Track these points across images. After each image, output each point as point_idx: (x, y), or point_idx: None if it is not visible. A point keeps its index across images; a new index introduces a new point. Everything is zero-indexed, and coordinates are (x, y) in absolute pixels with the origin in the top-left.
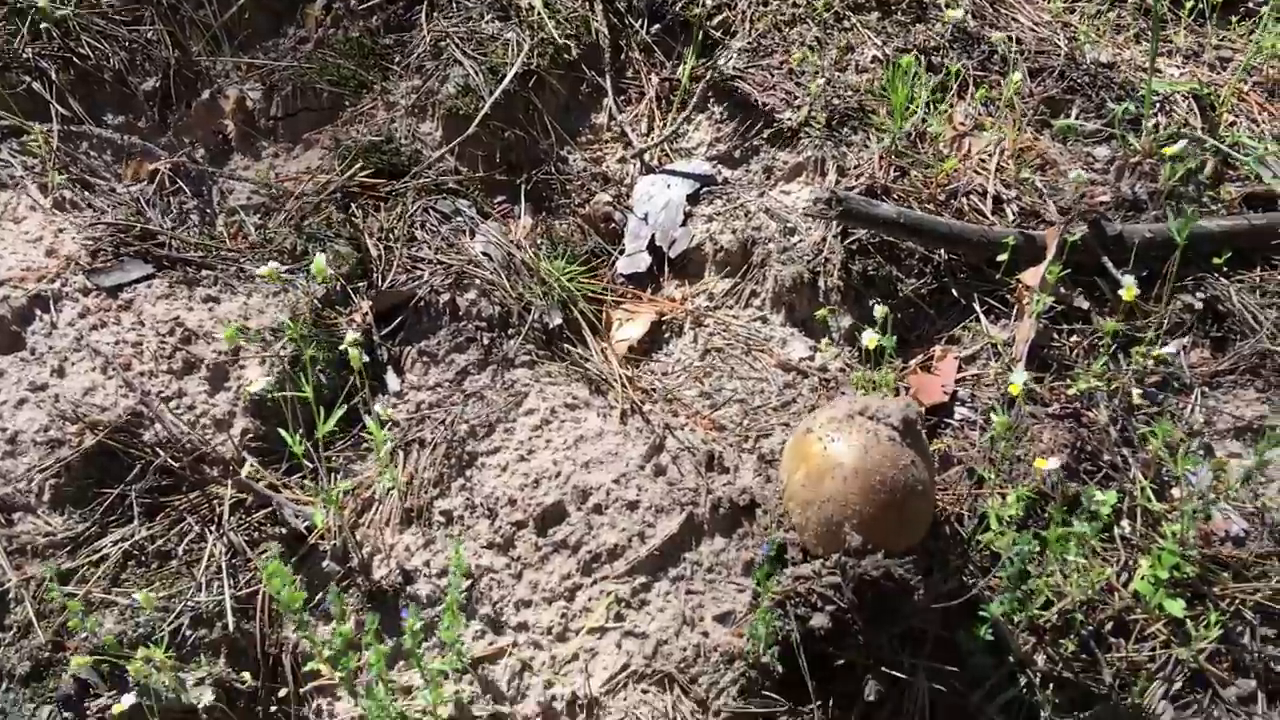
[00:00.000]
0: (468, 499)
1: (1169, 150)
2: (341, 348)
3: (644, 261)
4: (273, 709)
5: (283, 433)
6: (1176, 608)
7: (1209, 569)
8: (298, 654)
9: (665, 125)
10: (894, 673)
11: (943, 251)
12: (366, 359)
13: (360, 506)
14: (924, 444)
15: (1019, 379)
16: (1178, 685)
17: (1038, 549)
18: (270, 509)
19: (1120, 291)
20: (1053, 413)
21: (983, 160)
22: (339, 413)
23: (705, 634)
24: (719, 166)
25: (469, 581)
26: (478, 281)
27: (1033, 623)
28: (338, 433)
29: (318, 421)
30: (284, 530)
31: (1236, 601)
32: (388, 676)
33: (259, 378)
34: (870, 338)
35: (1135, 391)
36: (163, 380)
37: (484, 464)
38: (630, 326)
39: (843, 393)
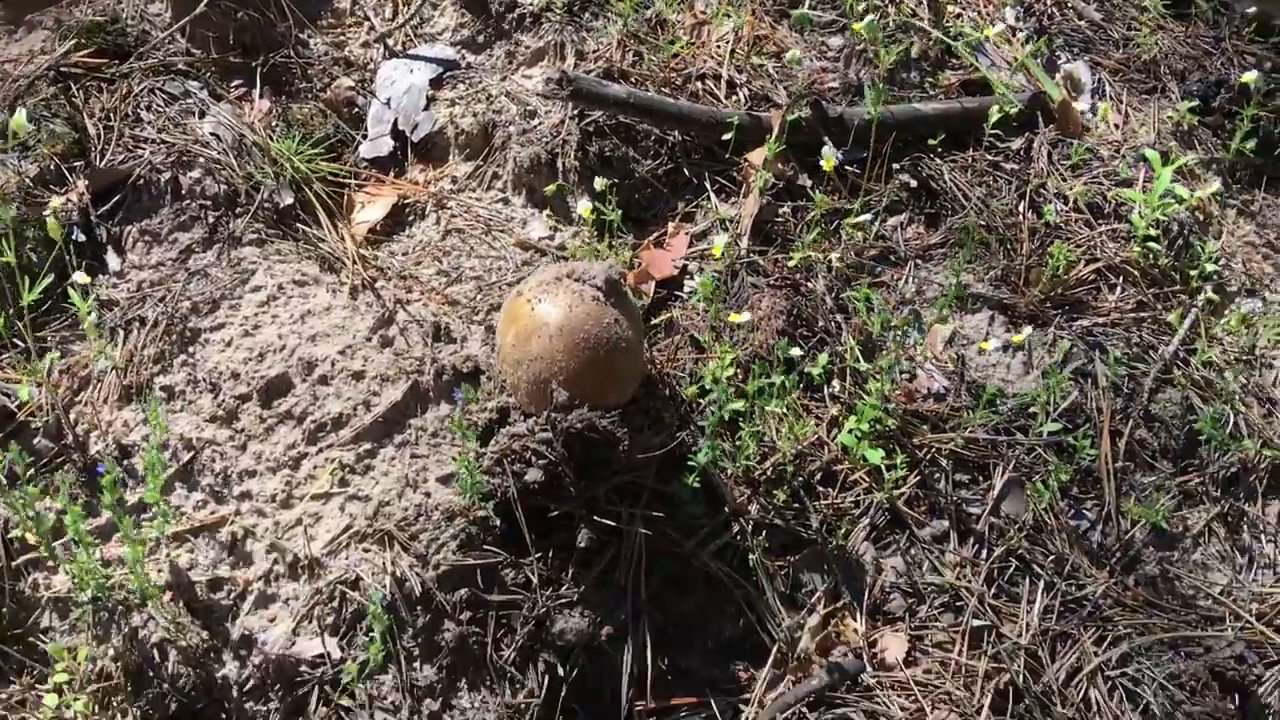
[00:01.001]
0: (190, 374)
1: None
2: (47, 213)
3: (387, 145)
4: None
5: None
6: (876, 456)
7: (910, 422)
8: (7, 526)
9: (409, 10)
10: (607, 521)
11: (676, 133)
12: (82, 238)
13: (77, 385)
14: (630, 304)
15: (720, 241)
16: (878, 527)
17: (743, 402)
18: None
19: (821, 163)
20: (773, 282)
21: (719, 47)
22: (45, 282)
23: (428, 495)
24: (462, 51)
25: (190, 454)
26: (202, 160)
27: (748, 476)
28: (54, 313)
29: (22, 293)
30: None
31: (933, 450)
32: (89, 538)
33: None
34: (585, 207)
35: (834, 256)
36: None
37: (207, 340)
38: (371, 209)
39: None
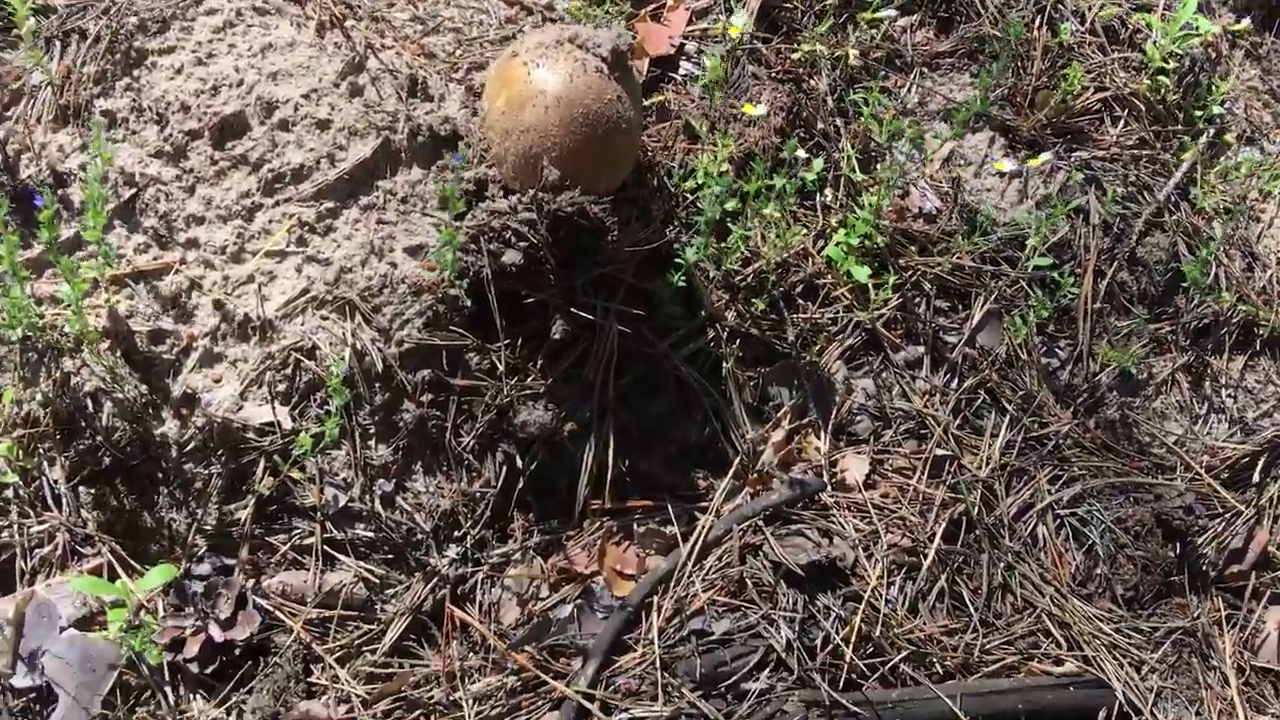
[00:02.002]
0: (134, 101)
1: None
2: None
3: None
4: None
5: None
6: (862, 274)
7: (899, 241)
8: None
9: None
10: (584, 314)
11: None
12: None
13: (7, 99)
14: (634, 80)
15: (739, 21)
16: (853, 347)
17: (738, 202)
18: None
19: None
20: (775, 75)
21: None
22: None
23: (394, 265)
24: None
25: (132, 190)
26: None
27: (728, 280)
28: None
29: None
30: None
31: (918, 273)
32: (24, 273)
33: None
34: None
35: (853, 53)
36: None
37: (155, 64)
38: None
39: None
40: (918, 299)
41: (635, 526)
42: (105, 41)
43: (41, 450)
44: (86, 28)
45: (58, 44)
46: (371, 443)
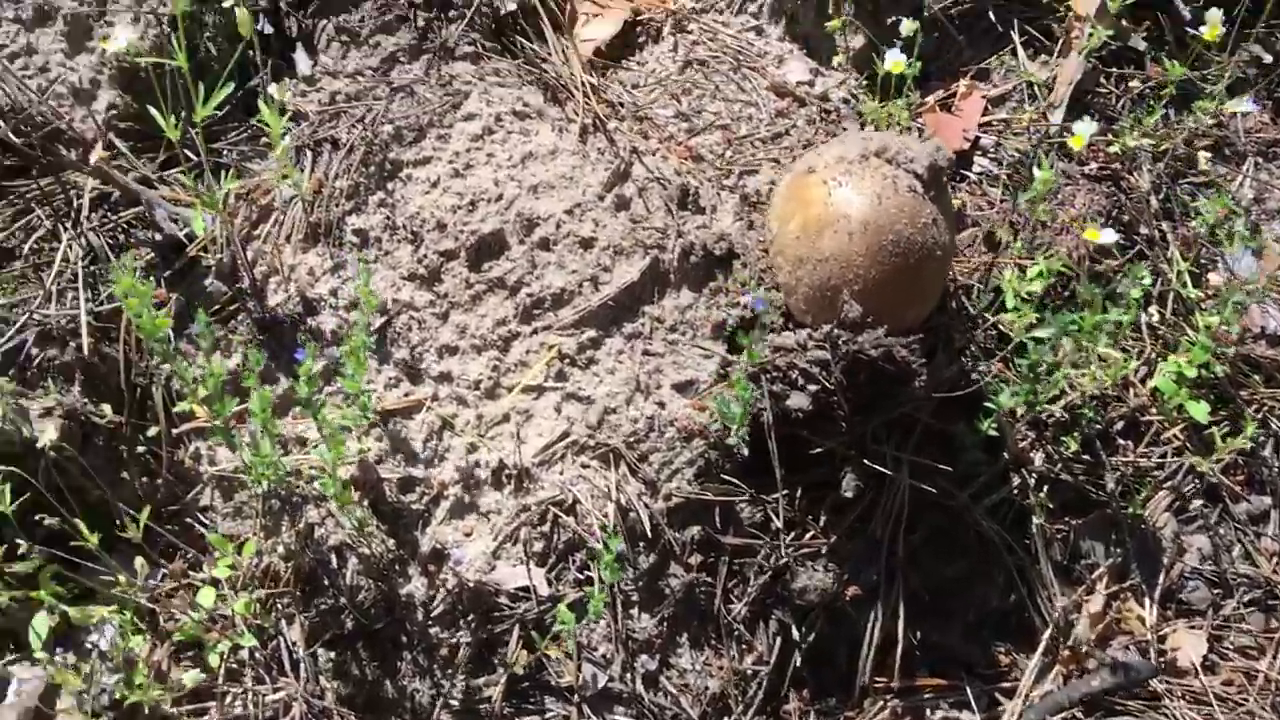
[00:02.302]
0: (388, 218)
1: None
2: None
3: None
4: (139, 450)
5: (153, 111)
6: (1200, 411)
7: (1240, 369)
8: (170, 387)
9: None
10: (877, 466)
11: None
12: (270, 30)
13: (256, 215)
14: (948, 199)
15: (1085, 130)
16: (1185, 496)
17: (1049, 331)
18: (141, 207)
19: (1202, 29)
20: (1089, 173)
21: None
22: (225, 91)
23: (661, 404)
24: None
25: (383, 318)
26: None
27: (1034, 416)
28: (231, 122)
29: (196, 100)
30: (158, 236)
31: (1265, 409)
32: (275, 428)
33: (127, 36)
34: (895, 60)
35: (1203, 155)
36: (7, 31)
37: (410, 176)
38: (598, 24)
39: (844, 127)
40: (1264, 439)
41: (926, 710)
42: (359, 152)
43: (280, 608)
44: (340, 136)
45: (309, 154)
46: (634, 612)
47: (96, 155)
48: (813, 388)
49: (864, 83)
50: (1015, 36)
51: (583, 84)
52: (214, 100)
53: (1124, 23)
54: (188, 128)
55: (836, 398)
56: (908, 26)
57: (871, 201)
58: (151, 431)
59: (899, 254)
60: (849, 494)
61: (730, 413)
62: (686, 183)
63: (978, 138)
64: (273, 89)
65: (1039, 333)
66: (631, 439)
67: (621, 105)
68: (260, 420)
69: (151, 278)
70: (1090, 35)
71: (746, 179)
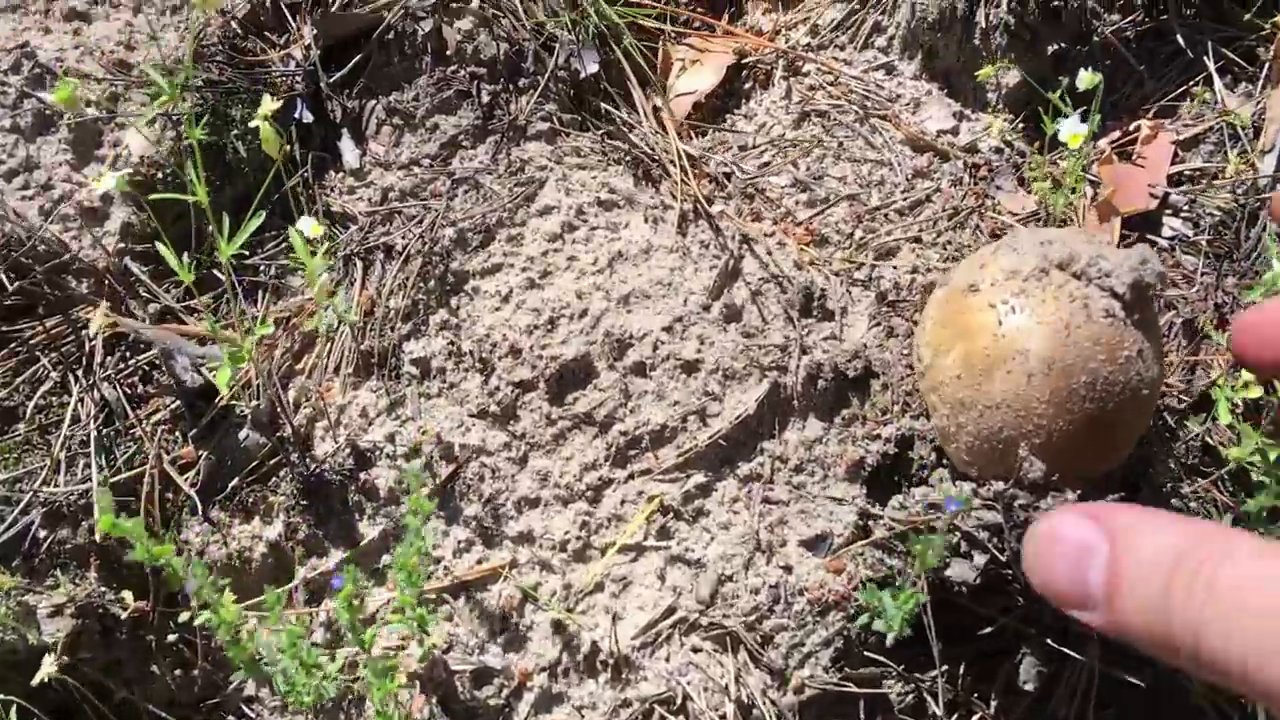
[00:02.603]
0: (452, 342)
1: None
2: (259, 116)
3: None
4: (170, 639)
5: (163, 250)
6: None
7: None
8: (204, 551)
9: None
10: (1064, 649)
11: None
12: (310, 118)
13: (298, 345)
14: (1155, 320)
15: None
16: None
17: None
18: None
19: None
20: None
21: None
22: (255, 223)
23: (787, 568)
24: None
25: (451, 468)
26: (476, 3)
27: None
28: (268, 230)
29: (219, 234)
30: (184, 381)
31: None
32: (313, 658)
33: (140, 147)
34: (1073, 133)
35: None
36: (3, 144)
37: (476, 289)
38: (696, 74)
39: (998, 185)
40: None
41: None
42: (417, 262)
43: None
44: (394, 242)
45: (358, 264)
46: None
47: (98, 319)
48: (980, 558)
49: (1020, 126)
50: (1209, 63)
51: (679, 156)
52: (240, 237)
53: None
54: (214, 253)
55: (1010, 569)
56: (1086, 79)
57: (1056, 333)
58: (183, 617)
59: (1093, 399)
60: (1029, 685)
61: (887, 614)
62: (810, 280)
63: (1166, 194)
64: (305, 224)
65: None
66: (752, 616)
67: (727, 178)
68: (290, 657)
69: (177, 434)
70: None
71: (882, 267)
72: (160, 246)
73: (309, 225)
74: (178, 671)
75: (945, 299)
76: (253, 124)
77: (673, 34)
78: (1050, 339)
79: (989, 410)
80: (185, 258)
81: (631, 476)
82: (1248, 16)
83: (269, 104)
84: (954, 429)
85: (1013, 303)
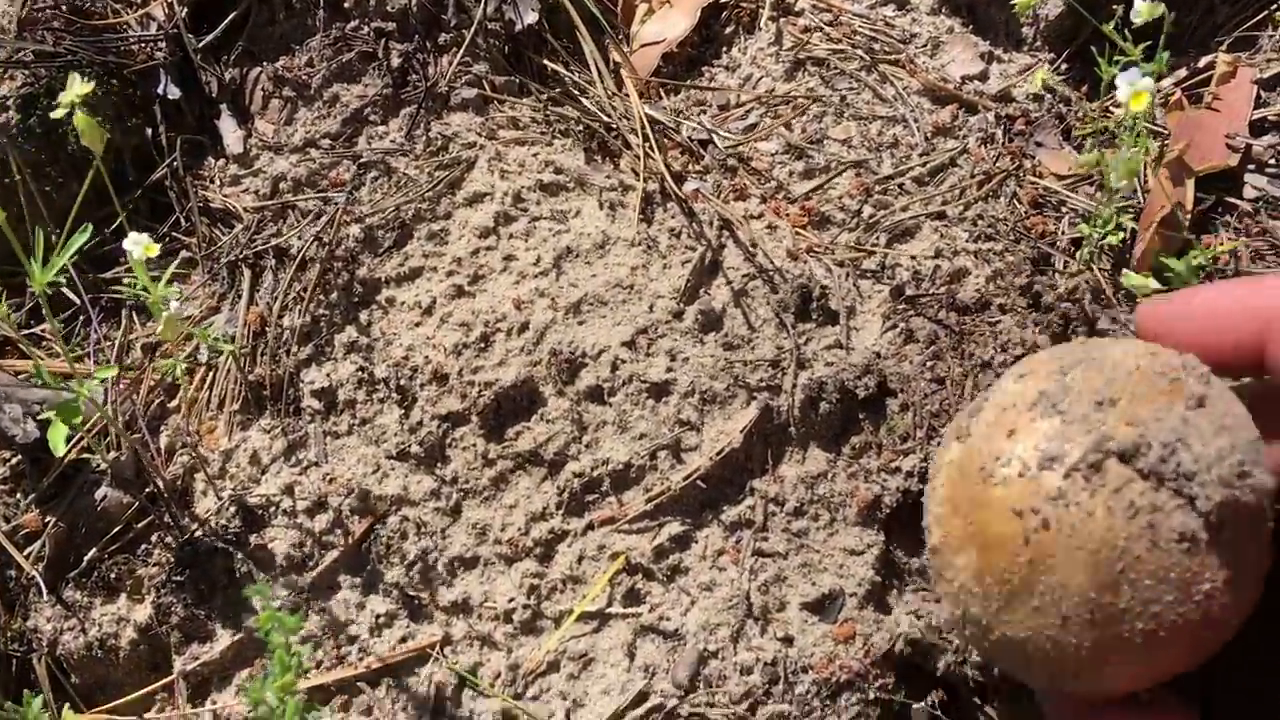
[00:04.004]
0: (362, 368)
1: None
2: (63, 105)
3: None
4: None
5: None
6: None
7: None
8: (56, 656)
9: None
10: None
11: None
12: (176, 93)
13: (170, 379)
14: (1260, 531)
15: None
16: None
17: None
18: None
19: None
20: None
21: None
22: (76, 243)
23: (787, 639)
24: None
25: (366, 523)
26: None
27: None
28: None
29: (23, 258)
30: (13, 435)
31: None
32: None
33: None
34: (1138, 90)
35: None
36: None
37: (391, 301)
38: (665, 18)
39: (1037, 142)
40: None
41: None
42: (316, 269)
43: None
44: (288, 245)
45: (245, 273)
46: None
47: None
48: None
49: (1063, 68)
50: None
51: (641, 123)
52: (57, 262)
53: None
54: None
55: None
56: (1145, 9)
57: (1107, 566)
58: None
59: (1153, 646)
60: None
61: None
62: (809, 273)
63: (1249, 145)
64: (131, 243)
65: None
66: (744, 703)
67: (703, 147)
68: None
69: (18, 496)
70: None
71: (897, 253)
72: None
73: (139, 244)
74: None
75: (959, 470)
76: (54, 115)
77: None
78: (1098, 575)
79: (1009, 643)
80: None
81: (590, 527)
82: None
83: (78, 86)
84: (965, 632)
85: (1047, 515)
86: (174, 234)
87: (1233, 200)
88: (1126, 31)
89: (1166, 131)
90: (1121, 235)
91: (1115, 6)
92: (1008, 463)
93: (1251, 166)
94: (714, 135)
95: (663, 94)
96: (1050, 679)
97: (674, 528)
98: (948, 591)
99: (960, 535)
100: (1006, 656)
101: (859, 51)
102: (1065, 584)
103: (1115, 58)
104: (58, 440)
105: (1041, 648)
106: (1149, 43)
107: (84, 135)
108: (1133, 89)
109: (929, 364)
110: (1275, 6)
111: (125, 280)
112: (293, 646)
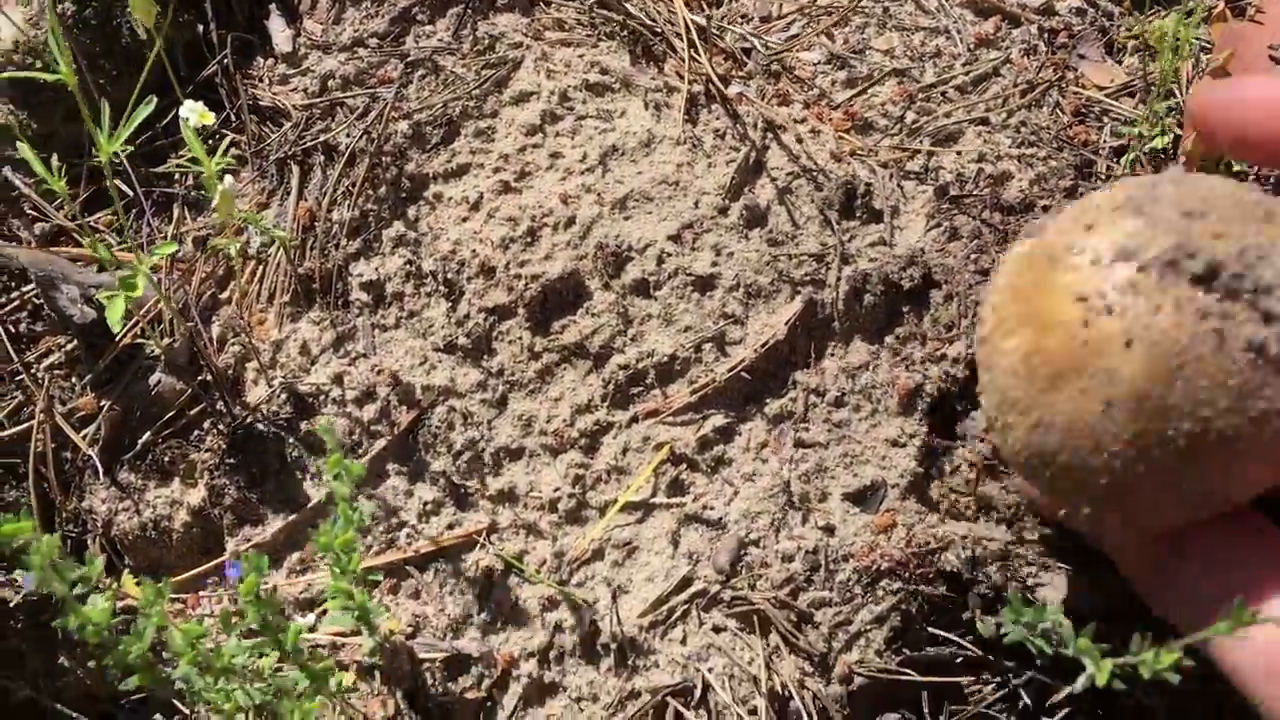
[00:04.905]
0: (410, 261)
1: None
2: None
3: None
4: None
5: (25, 150)
6: None
7: None
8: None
9: None
10: None
11: None
12: None
13: (221, 269)
14: None
15: None
16: None
17: None
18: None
19: None
20: None
21: None
22: (145, 112)
23: (828, 528)
24: None
25: (413, 414)
26: None
27: None
28: (177, 132)
29: (93, 125)
30: (70, 315)
31: None
32: (224, 660)
33: (12, 31)
34: None
35: None
36: None
37: (439, 196)
38: None
39: (1080, 54)
40: None
41: None
42: (365, 164)
43: None
44: (337, 141)
45: (294, 170)
46: None
47: None
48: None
49: None
50: None
51: (686, 27)
52: (124, 132)
53: None
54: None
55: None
56: None
57: (1165, 360)
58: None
59: (1195, 454)
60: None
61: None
62: (852, 174)
63: None
64: (188, 110)
65: None
66: (785, 588)
67: (746, 54)
68: (187, 662)
69: (73, 380)
70: None
71: (941, 155)
72: (22, 147)
73: (195, 111)
74: (90, 663)
75: (1027, 260)
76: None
77: None
78: (1153, 366)
79: (1045, 428)
80: (77, 160)
81: (635, 420)
82: None
83: None
84: (999, 423)
85: (1113, 301)
86: (223, 130)
87: None
88: None
89: (1209, 43)
90: (1165, 141)
91: None
92: (1080, 251)
93: None
94: (756, 42)
95: (704, 4)
96: (1079, 476)
97: (718, 419)
98: (990, 382)
99: (1016, 318)
100: (1038, 445)
101: None
102: (1117, 370)
103: None
104: (115, 317)
105: (1078, 436)
106: None
107: (134, 9)
108: None
109: (973, 257)
110: None
111: (177, 175)
112: (357, 501)
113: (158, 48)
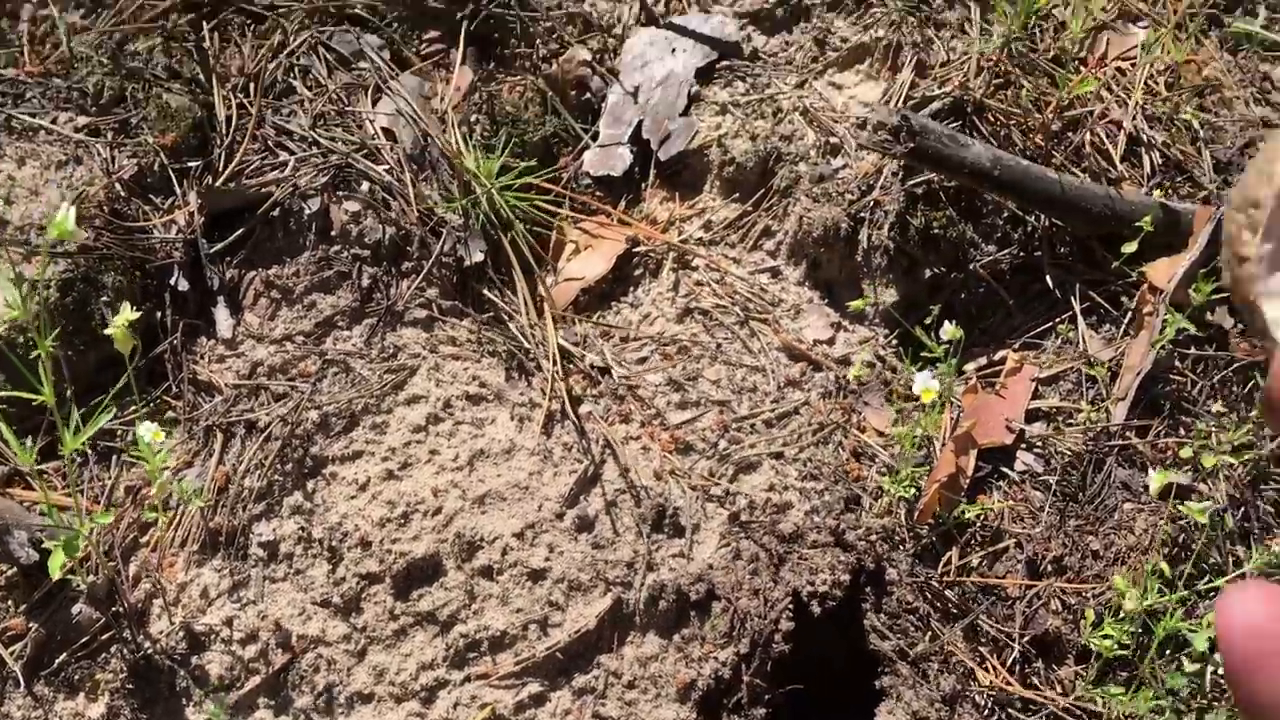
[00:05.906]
0: (303, 528)
1: None
2: (115, 325)
3: (622, 160)
4: None
5: (3, 429)
6: None
7: None
8: None
9: None
10: None
11: (1042, 216)
12: (185, 286)
13: (144, 518)
14: None
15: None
16: None
17: None
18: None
19: None
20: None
21: (1121, 73)
22: (101, 419)
23: None
24: (749, 30)
25: (287, 657)
26: (366, 187)
27: None
28: (128, 397)
29: (63, 428)
30: (18, 558)
31: None
32: None
33: (3, 309)
34: (925, 387)
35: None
36: None
37: (334, 475)
38: (587, 259)
39: (865, 401)
40: None
41: None
42: (278, 443)
43: None
44: (257, 419)
45: (218, 437)
46: None
47: None
48: None
49: (894, 341)
50: (1075, 304)
51: (553, 352)
52: (85, 434)
53: (1197, 295)
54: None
55: None
56: (949, 332)
57: None
58: None
59: None
60: None
61: None
62: (665, 495)
63: (1023, 430)
64: (145, 430)
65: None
66: None
67: (604, 374)
68: None
69: (10, 603)
70: (1164, 319)
71: (741, 480)
72: None
73: (149, 431)
74: None
75: None
76: (107, 331)
77: (569, 215)
78: None
79: None
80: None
81: (468, 679)
82: (1116, 264)
83: (127, 313)
84: None
85: None
86: (165, 397)
87: (1005, 470)
88: (937, 332)
89: (962, 410)
90: (914, 491)
91: (933, 307)
92: None
93: (1023, 445)
94: (613, 365)
95: (576, 321)
96: None
97: (534, 687)
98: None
99: None
100: None
101: (737, 308)
102: None
103: (922, 354)
104: (55, 566)
105: None
106: (947, 350)
107: (119, 342)
108: (924, 387)
109: (749, 579)
110: (1059, 320)
111: (119, 431)
112: None
113: (130, 369)
